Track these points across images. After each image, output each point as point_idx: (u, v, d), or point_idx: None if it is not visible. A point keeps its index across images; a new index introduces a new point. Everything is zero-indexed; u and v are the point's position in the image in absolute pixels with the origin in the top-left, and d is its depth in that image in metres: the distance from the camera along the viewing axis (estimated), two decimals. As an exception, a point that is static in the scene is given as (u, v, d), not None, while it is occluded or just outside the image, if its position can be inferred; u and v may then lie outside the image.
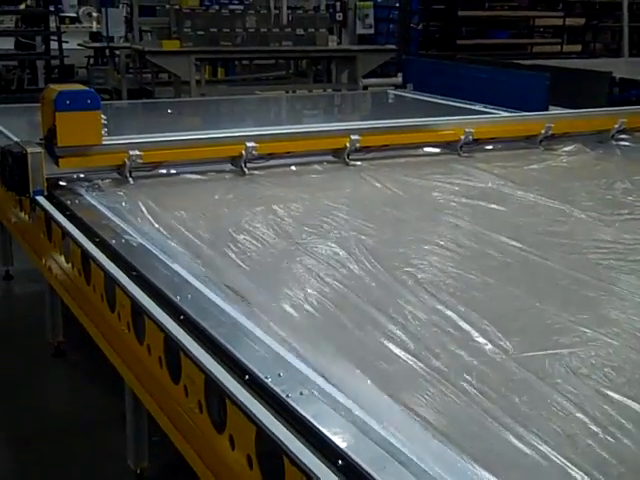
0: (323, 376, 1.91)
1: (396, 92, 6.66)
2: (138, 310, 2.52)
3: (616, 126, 4.99)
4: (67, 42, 12.16)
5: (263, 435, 1.77)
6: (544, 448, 1.68)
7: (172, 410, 2.36)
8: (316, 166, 4.19)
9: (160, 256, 2.75)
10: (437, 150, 4.56)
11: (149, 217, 3.24)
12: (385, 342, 2.17)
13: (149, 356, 2.48)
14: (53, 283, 3.71)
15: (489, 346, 2.15)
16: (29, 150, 3.44)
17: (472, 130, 4.54)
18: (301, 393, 1.82)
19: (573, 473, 1.61)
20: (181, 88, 9.99)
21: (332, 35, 10.52)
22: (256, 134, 4.12)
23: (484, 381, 1.96)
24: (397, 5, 12.32)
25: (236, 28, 9.81)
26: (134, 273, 2.61)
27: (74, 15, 15.70)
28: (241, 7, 10.10)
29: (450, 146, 4.56)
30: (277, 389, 1.83)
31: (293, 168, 4.13)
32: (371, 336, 2.22)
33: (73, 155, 3.59)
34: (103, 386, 3.90)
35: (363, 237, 3.08)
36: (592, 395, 1.92)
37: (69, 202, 3.40)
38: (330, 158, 4.27)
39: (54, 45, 11.78)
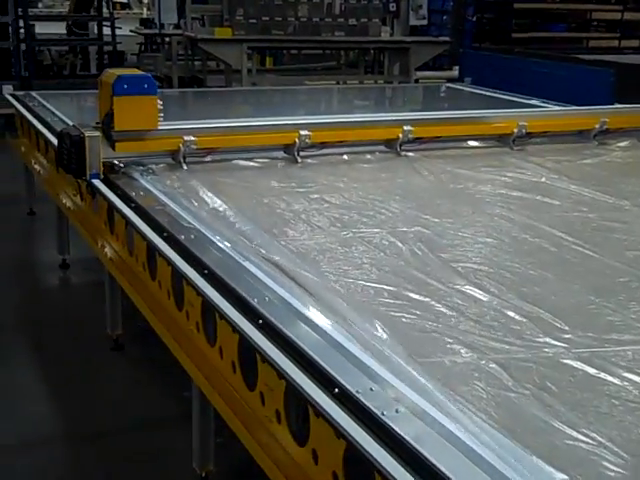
0: (416, 390, 1.79)
1: (454, 86, 6.60)
2: (210, 311, 2.43)
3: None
4: (120, 28, 12.27)
5: (353, 452, 1.68)
6: (610, 445, 1.64)
7: (246, 417, 2.25)
8: (368, 156, 4.18)
9: (230, 252, 2.63)
10: (489, 143, 4.52)
11: (208, 205, 3.21)
12: (448, 339, 2.13)
13: (221, 360, 2.40)
14: (113, 272, 3.67)
15: (550, 341, 2.12)
16: (87, 134, 3.47)
17: (525, 123, 4.49)
18: (397, 411, 1.69)
19: None
20: (232, 76, 10.02)
21: (385, 26, 10.42)
22: (310, 122, 4.13)
23: (546, 376, 1.93)
24: (452, -4, 12.17)
25: (288, 17, 9.79)
26: (205, 271, 2.49)
27: (125, 1, 15.87)
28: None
29: (502, 139, 4.52)
30: (370, 405, 1.71)
31: (345, 157, 4.12)
32: (439, 341, 2.14)
33: (129, 139, 3.61)
34: (164, 383, 3.87)
35: (418, 228, 3.06)
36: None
37: (127, 187, 3.41)
38: (382, 148, 4.25)
39: (106, 31, 11.90)
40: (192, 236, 2.77)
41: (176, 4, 11.26)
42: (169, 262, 2.71)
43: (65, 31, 12.95)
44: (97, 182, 3.48)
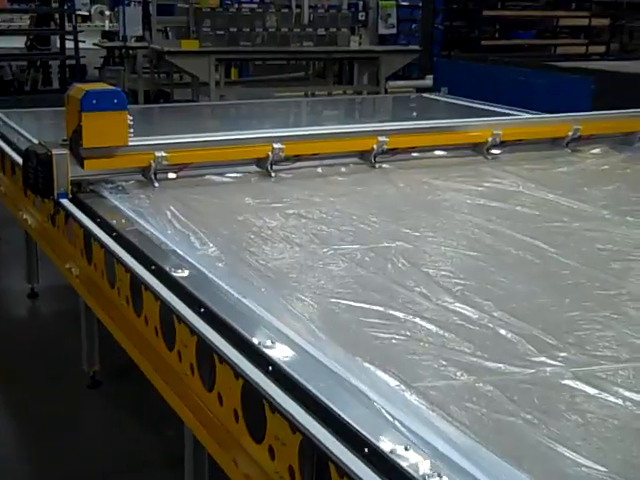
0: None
1: (430, 96, 6.54)
2: (206, 351, 2.22)
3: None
4: (84, 42, 12.11)
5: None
6: (612, 471, 1.57)
7: (251, 469, 2.04)
8: (342, 169, 4.10)
9: (225, 286, 2.42)
10: (463, 152, 4.46)
11: (183, 224, 3.09)
12: (442, 362, 2.04)
13: (220, 406, 2.19)
14: (88, 301, 3.47)
15: (546, 360, 2.05)
16: (54, 152, 3.35)
17: (499, 132, 4.45)
18: (439, 475, 1.51)
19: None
20: (200, 89, 9.91)
21: (354, 35, 10.37)
22: (283, 135, 4.04)
23: (546, 398, 1.86)
24: (420, 4, 12.08)
25: (256, 28, 9.73)
26: (202, 309, 2.27)
27: (86, 14, 15.66)
28: (261, 6, 10.00)
29: (476, 148, 4.48)
30: (410, 470, 1.52)
31: (319, 170, 4.04)
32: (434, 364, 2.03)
33: (98, 156, 3.49)
34: (147, 422, 3.68)
35: (400, 243, 2.98)
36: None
37: (96, 206, 3.29)
38: (356, 160, 4.19)
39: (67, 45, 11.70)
40: (186, 272, 2.52)
41: (141, 16, 11.14)
42: (157, 296, 2.49)
43: (24, 45, 12.72)
44: (66, 202, 3.36)
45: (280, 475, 1.87)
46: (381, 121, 5.69)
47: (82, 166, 3.46)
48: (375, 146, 4.13)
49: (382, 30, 10.86)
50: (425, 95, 6.68)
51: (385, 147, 4.16)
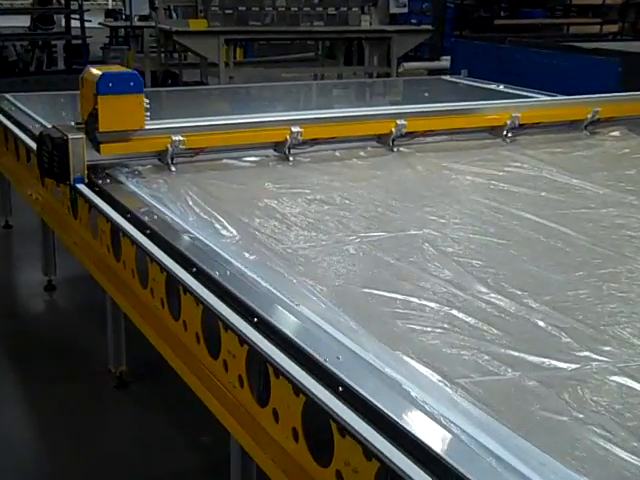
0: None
1: (450, 79, 6.41)
2: (260, 363, 2.06)
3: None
4: (90, 21, 11.97)
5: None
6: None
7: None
8: (361, 152, 4.03)
9: (263, 283, 2.31)
10: (481, 135, 4.38)
11: (204, 211, 3.02)
12: (483, 356, 1.97)
13: (276, 424, 2.00)
14: (114, 296, 3.32)
15: (590, 355, 1.98)
16: (70, 136, 3.27)
17: (518, 115, 4.37)
18: None
19: None
20: (208, 70, 9.78)
21: (364, 14, 10.21)
22: (302, 118, 3.97)
23: (595, 394, 1.79)
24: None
25: (265, 7, 9.55)
26: (254, 319, 2.09)
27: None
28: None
29: (494, 131, 4.40)
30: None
31: (337, 154, 3.97)
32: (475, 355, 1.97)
33: (115, 140, 3.41)
34: (179, 426, 3.43)
35: (427, 231, 2.91)
36: None
37: (114, 192, 3.21)
38: (374, 143, 4.11)
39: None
40: (227, 272, 2.39)
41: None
42: (196, 297, 2.34)
43: (28, 25, 12.55)
44: (82, 187, 3.28)
45: None
46: (400, 103, 5.61)
47: (98, 150, 3.39)
48: (394, 129, 4.05)
49: (393, 9, 10.63)
50: (444, 77, 6.56)
51: (404, 130, 4.09)
